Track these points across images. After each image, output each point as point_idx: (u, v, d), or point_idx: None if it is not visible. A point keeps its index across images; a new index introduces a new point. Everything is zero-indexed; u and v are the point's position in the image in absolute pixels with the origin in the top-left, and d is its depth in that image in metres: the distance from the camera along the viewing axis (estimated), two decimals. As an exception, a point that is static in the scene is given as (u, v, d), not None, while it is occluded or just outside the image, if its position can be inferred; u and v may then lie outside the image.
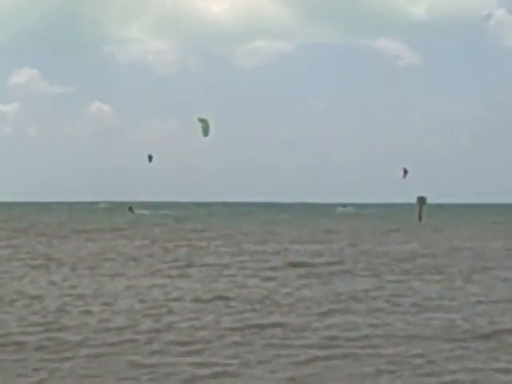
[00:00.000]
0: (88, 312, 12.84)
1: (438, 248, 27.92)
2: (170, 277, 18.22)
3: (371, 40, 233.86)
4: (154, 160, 53.22)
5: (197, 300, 14.26)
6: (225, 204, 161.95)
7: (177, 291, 15.51)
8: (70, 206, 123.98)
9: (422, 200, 58.92)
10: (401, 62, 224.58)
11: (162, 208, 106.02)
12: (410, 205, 71.99)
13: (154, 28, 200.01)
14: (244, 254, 24.87)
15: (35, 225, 48.57)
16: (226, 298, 14.44)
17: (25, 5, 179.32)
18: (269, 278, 17.87)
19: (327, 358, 9.58)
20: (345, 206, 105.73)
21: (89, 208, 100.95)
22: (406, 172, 49.25)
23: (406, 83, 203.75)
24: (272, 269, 20.13)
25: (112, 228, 43.52)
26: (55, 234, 37.22)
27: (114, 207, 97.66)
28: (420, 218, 58.81)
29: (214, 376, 8.71)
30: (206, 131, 31.61)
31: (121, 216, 69.86)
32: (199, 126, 31.86)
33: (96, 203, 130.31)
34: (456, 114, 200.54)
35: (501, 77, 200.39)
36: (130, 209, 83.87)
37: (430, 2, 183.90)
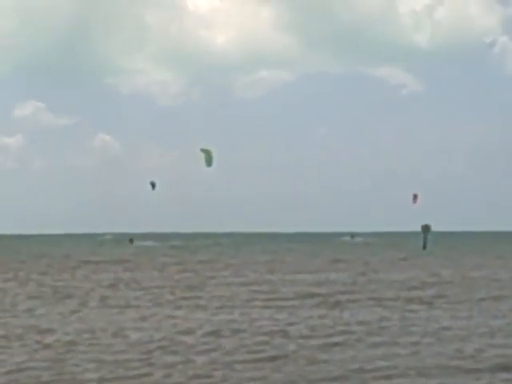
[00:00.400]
0: (100, 345, 12.76)
1: (448, 277, 27.85)
2: (179, 308, 18.15)
3: (373, 68, 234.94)
4: (157, 190, 53.66)
5: (209, 333, 14.17)
6: (228, 234, 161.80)
7: (188, 323, 15.44)
8: (75, 238, 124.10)
9: (426, 228, 58.89)
10: (404, 89, 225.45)
11: (166, 239, 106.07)
12: (413, 233, 72.17)
13: (158, 59, 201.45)
14: (253, 285, 24.78)
15: (42, 257, 48.62)
16: (238, 330, 14.36)
17: (29, 37, 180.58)
18: (280, 309, 17.79)
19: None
20: (353, 235, 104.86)
21: (94, 240, 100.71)
22: (415, 197, 49.03)
23: (408, 110, 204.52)
24: (282, 299, 20.06)
25: (119, 260, 43.52)
26: (62, 266, 37.22)
27: (119, 238, 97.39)
28: (425, 246, 58.63)
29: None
30: (209, 162, 31.76)
31: (126, 247, 69.99)
32: (202, 156, 32.03)
33: (102, 235, 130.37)
34: (458, 141, 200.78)
35: (503, 104, 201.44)
36: (131, 240, 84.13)
37: (433, 30, 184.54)
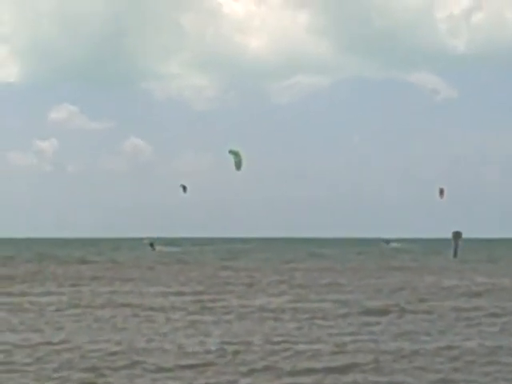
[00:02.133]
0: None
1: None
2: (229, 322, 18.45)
3: (408, 73, 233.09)
4: (188, 194, 54.04)
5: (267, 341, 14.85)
6: (261, 240, 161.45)
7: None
8: (115, 242, 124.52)
9: (457, 235, 59.06)
10: (438, 95, 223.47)
11: (200, 243, 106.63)
12: (444, 240, 72.32)
13: (193, 64, 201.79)
14: (309, 294, 25.18)
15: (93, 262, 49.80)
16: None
17: (67, 42, 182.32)
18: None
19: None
20: (387, 241, 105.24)
21: (139, 243, 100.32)
22: (442, 192, 48.64)
23: (443, 116, 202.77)
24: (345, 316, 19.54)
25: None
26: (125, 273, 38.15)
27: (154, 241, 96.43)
28: (455, 253, 58.54)
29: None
30: (238, 165, 31.65)
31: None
32: (232, 159, 31.90)
33: (140, 239, 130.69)
34: (492, 147, 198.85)
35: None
36: (151, 245, 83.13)
37: (470, 35, 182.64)
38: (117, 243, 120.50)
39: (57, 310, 20.59)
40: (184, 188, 51.75)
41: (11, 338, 15.45)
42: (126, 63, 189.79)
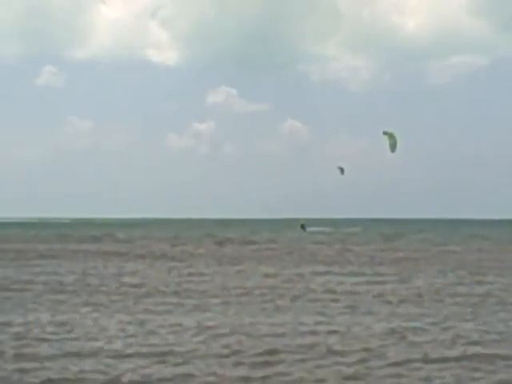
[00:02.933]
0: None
1: None
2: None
3: None
4: (345, 176, 53.86)
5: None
6: (417, 221, 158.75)
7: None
8: (274, 223, 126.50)
9: None
10: None
11: (352, 224, 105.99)
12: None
13: (350, 45, 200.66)
14: None
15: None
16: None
17: (225, 25, 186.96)
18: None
19: None
20: None
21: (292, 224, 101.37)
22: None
23: None
24: None
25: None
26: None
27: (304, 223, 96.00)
28: None
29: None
30: (393, 147, 31.00)
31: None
32: (386, 141, 31.42)
33: (296, 220, 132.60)
34: None
35: None
36: (302, 226, 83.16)
37: None
38: (273, 224, 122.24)
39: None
40: (342, 170, 52.13)
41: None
42: (284, 46, 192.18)
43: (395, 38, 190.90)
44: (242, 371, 11.22)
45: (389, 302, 18.80)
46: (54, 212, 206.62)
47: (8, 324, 15.10)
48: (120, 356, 12.13)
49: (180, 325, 15.05)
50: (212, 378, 10.82)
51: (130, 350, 12.55)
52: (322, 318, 16.07)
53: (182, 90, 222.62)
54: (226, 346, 12.90)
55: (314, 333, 14.25)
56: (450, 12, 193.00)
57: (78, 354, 12.20)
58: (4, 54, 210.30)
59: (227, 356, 12.21)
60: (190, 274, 26.53)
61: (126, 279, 24.65)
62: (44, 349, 12.67)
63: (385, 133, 31.74)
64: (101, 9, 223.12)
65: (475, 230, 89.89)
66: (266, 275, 26.18)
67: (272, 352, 12.41)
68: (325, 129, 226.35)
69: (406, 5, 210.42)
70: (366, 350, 12.68)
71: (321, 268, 29.19)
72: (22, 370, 11.11)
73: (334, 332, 14.35)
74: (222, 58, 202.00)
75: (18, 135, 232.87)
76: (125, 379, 10.73)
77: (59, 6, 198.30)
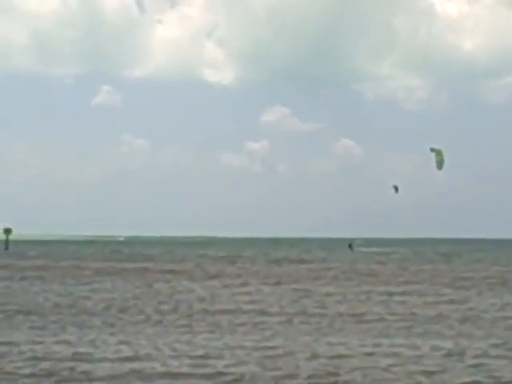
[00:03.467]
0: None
1: None
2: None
3: None
4: (399, 194, 53.40)
5: None
6: (466, 241, 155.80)
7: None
8: (323, 242, 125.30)
9: None
10: None
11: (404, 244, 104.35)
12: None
13: (405, 64, 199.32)
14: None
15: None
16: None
17: (281, 46, 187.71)
18: None
19: None
20: None
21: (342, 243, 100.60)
22: None
23: None
24: None
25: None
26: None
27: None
28: None
29: None
30: (440, 164, 30.08)
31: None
32: (433, 158, 30.28)
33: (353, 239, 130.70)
34: None
35: None
36: (350, 246, 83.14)
37: None
38: (323, 243, 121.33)
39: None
40: (396, 188, 51.46)
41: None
42: (338, 65, 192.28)
43: (451, 58, 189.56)
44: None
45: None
46: (110, 230, 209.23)
47: (66, 342, 15.21)
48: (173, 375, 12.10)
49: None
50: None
51: (184, 370, 12.51)
52: (383, 340, 15.81)
53: (236, 109, 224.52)
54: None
55: (371, 354, 14.01)
56: (508, 32, 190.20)
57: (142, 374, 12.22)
58: (62, 74, 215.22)
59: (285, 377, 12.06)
60: (247, 293, 26.49)
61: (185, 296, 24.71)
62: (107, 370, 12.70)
63: (432, 149, 30.52)
64: (157, 29, 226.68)
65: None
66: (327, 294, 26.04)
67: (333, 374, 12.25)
68: (378, 147, 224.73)
69: (462, 25, 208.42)
70: (425, 372, 12.38)
71: (381, 288, 28.89)
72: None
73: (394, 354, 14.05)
74: (277, 77, 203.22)
75: (76, 154, 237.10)
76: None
77: (116, 26, 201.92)
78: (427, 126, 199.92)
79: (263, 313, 20.39)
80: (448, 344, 15.12)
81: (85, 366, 12.70)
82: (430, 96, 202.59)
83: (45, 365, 12.80)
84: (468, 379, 11.90)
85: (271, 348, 14.60)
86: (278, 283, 31.26)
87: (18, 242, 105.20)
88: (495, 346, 15.01)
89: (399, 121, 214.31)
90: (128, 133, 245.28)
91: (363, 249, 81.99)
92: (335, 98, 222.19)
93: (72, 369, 12.52)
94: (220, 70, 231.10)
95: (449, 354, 13.96)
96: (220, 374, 12.24)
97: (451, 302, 23.65)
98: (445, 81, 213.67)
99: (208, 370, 12.49)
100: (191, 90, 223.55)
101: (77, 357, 13.61)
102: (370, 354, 13.95)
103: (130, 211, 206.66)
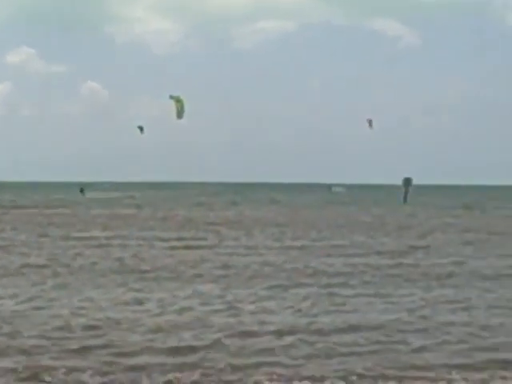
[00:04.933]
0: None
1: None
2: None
3: (373, 20, 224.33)
4: (147, 139, 52.76)
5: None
6: (220, 184, 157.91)
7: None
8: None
9: (407, 181, 61.70)
10: (400, 42, 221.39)
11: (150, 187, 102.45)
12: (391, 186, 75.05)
13: (157, 8, 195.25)
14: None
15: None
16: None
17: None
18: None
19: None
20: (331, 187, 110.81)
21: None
22: (370, 123, 45.67)
23: (405, 64, 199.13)
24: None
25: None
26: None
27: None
28: (405, 199, 61.33)
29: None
30: (180, 113, 28.25)
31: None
32: (174, 107, 28.32)
33: (101, 184, 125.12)
34: (451, 95, 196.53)
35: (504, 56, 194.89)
36: (82, 190, 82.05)
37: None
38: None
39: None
40: (141, 129, 51.06)
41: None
42: (91, 6, 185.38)
43: (204, 2, 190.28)
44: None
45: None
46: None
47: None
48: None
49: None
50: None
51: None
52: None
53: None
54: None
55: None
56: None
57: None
58: None
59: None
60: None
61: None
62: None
63: (171, 97, 28.54)
64: None
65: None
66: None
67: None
68: (126, 91, 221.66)
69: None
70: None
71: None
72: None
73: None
74: (23, 17, 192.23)
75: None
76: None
77: None
78: (179, 71, 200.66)
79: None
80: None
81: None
82: (181, 41, 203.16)
83: None
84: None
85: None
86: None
87: None
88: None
89: (149, 64, 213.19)
90: None
91: (95, 194, 79.78)
92: (85, 40, 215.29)
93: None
94: None
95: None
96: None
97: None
98: (197, 26, 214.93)
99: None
100: None
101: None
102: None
103: None
